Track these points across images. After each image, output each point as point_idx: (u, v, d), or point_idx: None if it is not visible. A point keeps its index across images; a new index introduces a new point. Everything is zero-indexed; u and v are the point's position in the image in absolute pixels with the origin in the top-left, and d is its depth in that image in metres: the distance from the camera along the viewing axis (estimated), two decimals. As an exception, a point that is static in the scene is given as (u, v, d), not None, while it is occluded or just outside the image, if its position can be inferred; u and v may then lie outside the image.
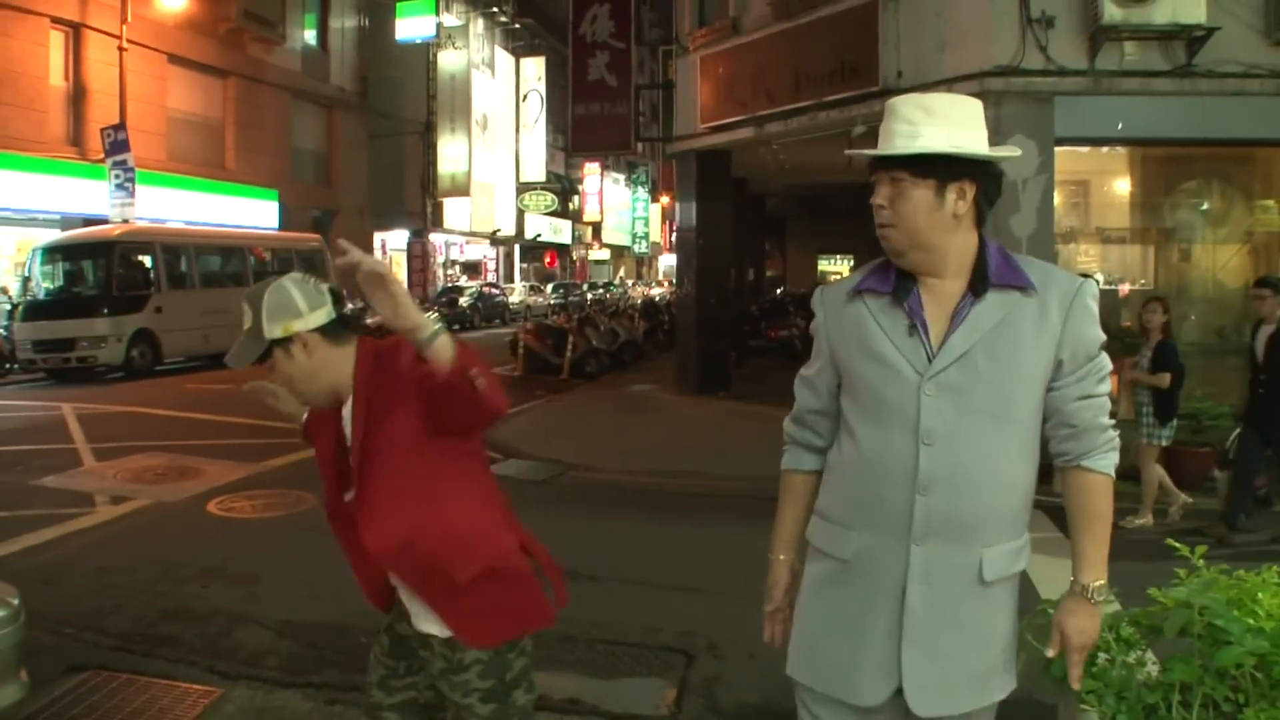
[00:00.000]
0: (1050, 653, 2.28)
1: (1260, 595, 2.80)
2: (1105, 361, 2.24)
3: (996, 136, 9.39)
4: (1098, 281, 10.69)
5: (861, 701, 2.25)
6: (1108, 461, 2.24)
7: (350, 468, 2.48)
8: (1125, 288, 11.16)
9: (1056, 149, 10.03)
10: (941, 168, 2.16)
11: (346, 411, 2.52)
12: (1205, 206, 11.05)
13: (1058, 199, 10.73)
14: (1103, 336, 2.24)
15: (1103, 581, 2.21)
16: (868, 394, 2.27)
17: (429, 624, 2.51)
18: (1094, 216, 11.47)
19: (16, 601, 3.63)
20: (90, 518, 7.70)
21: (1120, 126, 10.25)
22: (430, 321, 2.15)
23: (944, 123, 2.17)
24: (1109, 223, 11.33)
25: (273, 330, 2.45)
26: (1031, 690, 2.63)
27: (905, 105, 2.21)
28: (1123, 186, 11.32)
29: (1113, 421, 2.26)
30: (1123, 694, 2.77)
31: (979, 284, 2.20)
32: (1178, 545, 2.99)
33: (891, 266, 2.29)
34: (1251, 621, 2.68)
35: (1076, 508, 2.25)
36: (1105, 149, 11.05)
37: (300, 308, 2.48)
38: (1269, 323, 7.43)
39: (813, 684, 2.33)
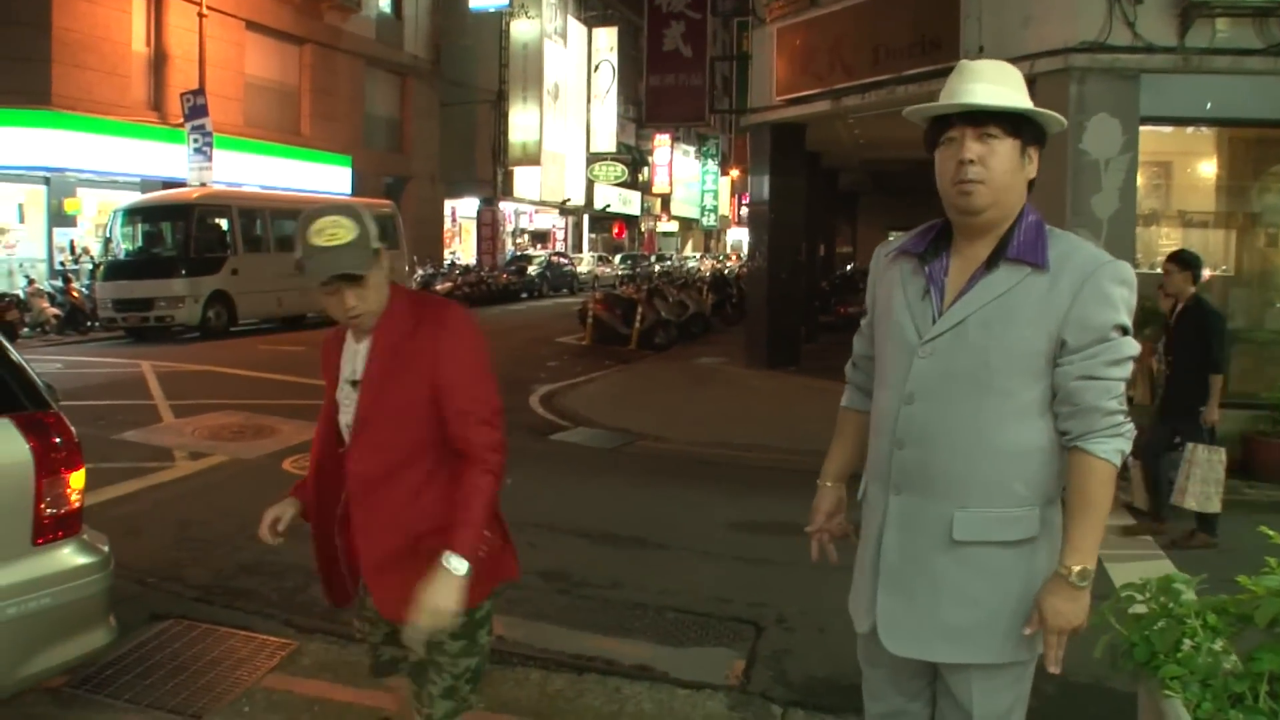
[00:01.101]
0: (1027, 630, 2.28)
1: None
2: (1124, 346, 2.21)
3: (1079, 114, 9.32)
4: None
5: (858, 627, 2.48)
6: (1108, 448, 2.21)
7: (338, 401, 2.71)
8: (1209, 273, 10.90)
9: (1141, 129, 9.83)
10: (1026, 128, 2.22)
11: (361, 346, 2.65)
12: (1295, 191, 10.75)
13: (1143, 179, 10.52)
14: (1120, 319, 2.21)
15: (1086, 567, 2.21)
16: (881, 354, 2.44)
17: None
18: (1175, 199, 11.18)
19: (107, 549, 3.71)
20: (170, 472, 7.89)
21: (1209, 106, 10.05)
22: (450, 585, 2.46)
23: (1014, 86, 2.24)
24: (1191, 206, 11.04)
25: (375, 241, 2.54)
26: (1113, 672, 2.64)
27: (979, 65, 2.26)
28: (1207, 169, 11.01)
29: (1123, 408, 2.22)
30: (1208, 681, 2.73)
31: (995, 256, 2.25)
32: (1270, 532, 2.93)
33: (933, 230, 2.39)
34: None
35: (1072, 490, 2.25)
36: (1190, 129, 10.80)
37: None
38: (1181, 300, 7.02)
39: (850, 605, 2.55)
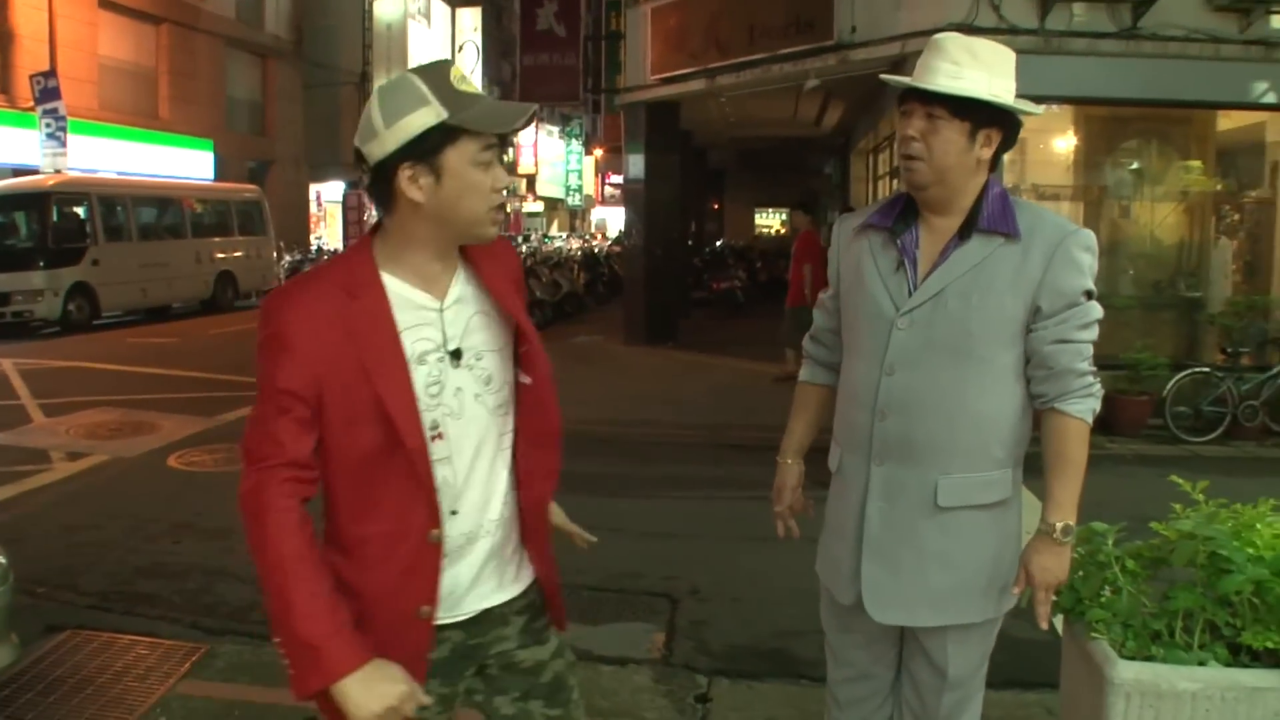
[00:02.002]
0: (1015, 590, 2.39)
1: (1258, 526, 2.97)
2: (1092, 310, 2.33)
3: (947, 93, 9.68)
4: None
5: (841, 600, 2.51)
6: (1083, 407, 2.33)
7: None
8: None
9: (1004, 106, 10.27)
10: (977, 112, 2.26)
11: (458, 288, 2.01)
12: (1143, 166, 11.36)
13: (1010, 155, 10.96)
14: (1088, 285, 2.32)
15: (1069, 523, 2.32)
16: (853, 327, 2.48)
17: (502, 591, 2.11)
18: (1030, 174, 11.71)
19: (4, 561, 3.57)
20: (48, 474, 7.64)
21: (1068, 86, 10.49)
22: None
23: (986, 69, 2.26)
24: (1049, 180, 11.58)
25: None
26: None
27: (951, 44, 2.29)
28: (1063, 145, 11.59)
29: (1093, 369, 2.36)
30: (1129, 622, 2.92)
31: (967, 228, 2.32)
32: (1180, 480, 3.11)
33: (899, 203, 2.44)
34: (1251, 551, 2.85)
35: (1050, 450, 2.35)
36: (1054, 107, 11.31)
37: None
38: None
39: (822, 577, 2.62)
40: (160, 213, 21.52)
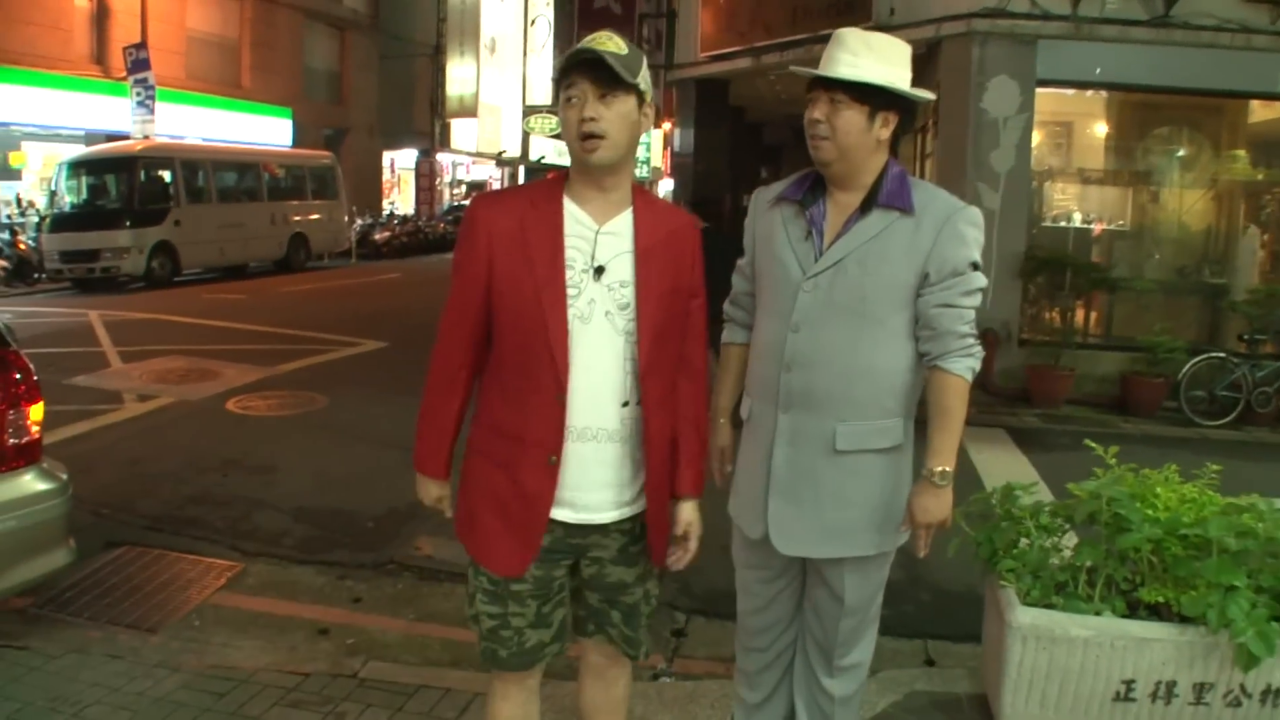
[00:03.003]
0: (902, 528, 2.65)
1: (1159, 490, 3.26)
2: (975, 279, 2.55)
3: (980, 76, 10.00)
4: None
5: (750, 534, 2.79)
6: (962, 365, 2.55)
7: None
8: (1099, 226, 11.63)
9: (1038, 90, 10.46)
10: (875, 97, 2.50)
11: (617, 224, 2.40)
12: (1176, 152, 11.46)
13: (1041, 138, 11.19)
14: (974, 257, 2.55)
15: (946, 468, 2.54)
16: (765, 288, 2.73)
17: (605, 511, 2.47)
18: (1075, 157, 11.87)
19: (65, 476, 4.05)
20: (120, 413, 8.27)
21: (1098, 72, 10.71)
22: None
23: (882, 60, 2.51)
24: (1088, 164, 11.75)
25: (645, 82, 2.34)
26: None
27: (851, 37, 2.53)
28: (1101, 130, 11.72)
29: (973, 332, 2.57)
30: (1037, 573, 3.24)
31: (868, 203, 2.57)
32: (1094, 445, 3.44)
33: (809, 179, 2.69)
34: (1150, 512, 3.13)
35: (932, 403, 2.59)
36: (1088, 93, 11.47)
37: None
38: None
39: (734, 516, 2.88)
40: (239, 177, 22.34)
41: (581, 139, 2.27)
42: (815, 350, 2.59)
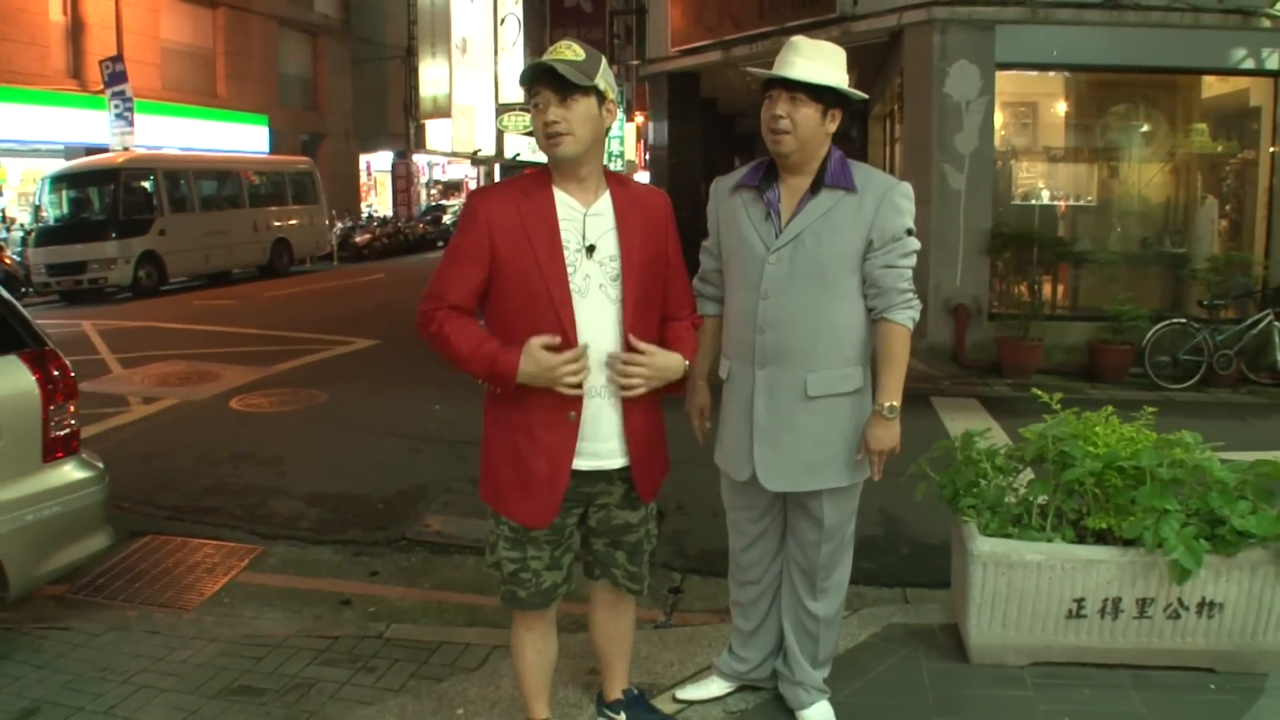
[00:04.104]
0: (859, 457, 3.00)
1: (1099, 429, 3.64)
2: (911, 243, 2.96)
3: (942, 61, 10.37)
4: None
5: (737, 478, 3.15)
6: (905, 315, 2.95)
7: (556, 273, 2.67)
8: (1063, 202, 11.98)
9: (999, 73, 10.81)
10: (828, 96, 2.91)
11: (600, 205, 2.76)
12: (1135, 128, 11.82)
13: (1005, 119, 11.54)
14: (909, 225, 2.96)
15: (894, 403, 2.93)
16: (734, 264, 3.11)
17: (612, 459, 2.81)
18: (1037, 136, 12.19)
19: (101, 465, 4.34)
20: (127, 415, 8.52)
21: (1056, 53, 11.05)
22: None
23: (831, 64, 2.92)
24: (1050, 142, 12.08)
25: (605, 84, 2.68)
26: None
27: (804, 44, 2.93)
28: (1061, 109, 12.06)
29: (912, 288, 2.97)
30: (995, 508, 3.63)
31: (816, 184, 2.97)
32: (1040, 393, 3.84)
33: (762, 167, 3.09)
34: (1091, 449, 3.51)
35: (881, 350, 2.98)
36: (1047, 74, 11.78)
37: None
38: None
39: (722, 465, 3.24)
40: (220, 185, 22.51)
41: (547, 137, 2.62)
42: (783, 313, 2.97)
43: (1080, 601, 3.42)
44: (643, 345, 2.70)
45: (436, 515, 5.97)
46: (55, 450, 4.07)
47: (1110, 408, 3.79)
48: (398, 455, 7.24)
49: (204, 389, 9.56)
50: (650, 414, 2.87)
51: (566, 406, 2.69)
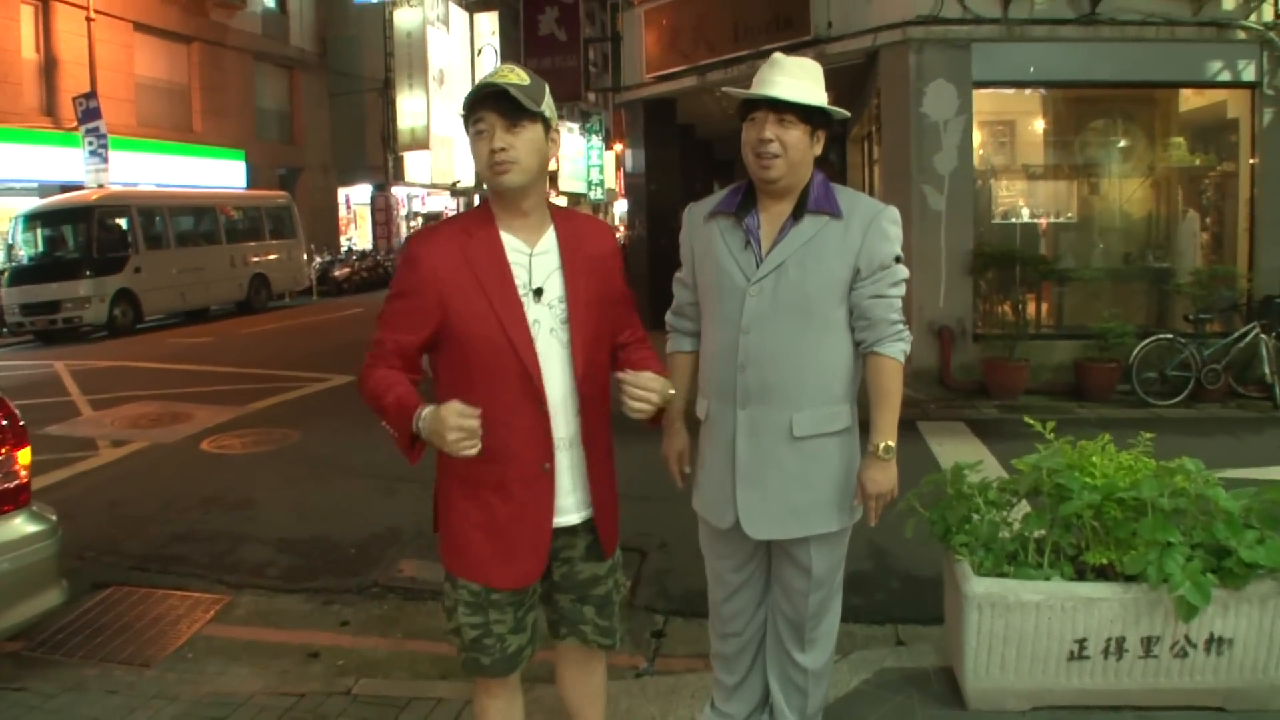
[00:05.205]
0: (855, 502, 2.84)
1: (1095, 459, 3.45)
2: (900, 271, 2.78)
3: (919, 81, 10.29)
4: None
5: (719, 525, 2.95)
6: (896, 349, 2.77)
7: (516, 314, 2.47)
8: (1044, 220, 11.91)
9: (976, 92, 10.74)
10: (815, 116, 2.74)
11: (545, 243, 2.55)
12: (1114, 144, 11.75)
13: (984, 138, 11.47)
14: (897, 251, 2.77)
15: (889, 443, 2.76)
16: (711, 296, 2.91)
17: (574, 514, 2.64)
18: (1016, 154, 12.13)
19: (54, 518, 4.14)
20: (95, 459, 8.33)
21: (1032, 70, 11.00)
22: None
23: (814, 81, 2.73)
24: (1030, 160, 12.02)
25: (549, 110, 2.50)
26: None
27: (788, 62, 2.74)
28: (1040, 126, 12.00)
29: (902, 319, 2.78)
30: (989, 545, 3.43)
31: (799, 210, 2.78)
32: (1033, 421, 3.65)
33: (740, 191, 2.90)
34: (1089, 480, 3.32)
35: (872, 386, 2.80)
36: (1024, 92, 11.74)
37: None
38: None
39: (701, 511, 3.05)
40: (196, 221, 22.37)
41: (491, 166, 2.41)
42: (767, 348, 2.77)
43: (1082, 642, 3.24)
44: (632, 373, 2.51)
45: (410, 560, 5.77)
46: (3, 504, 3.88)
47: (1106, 435, 3.62)
48: (372, 496, 7.05)
49: (175, 430, 9.38)
50: (608, 463, 2.72)
51: (541, 457, 2.50)
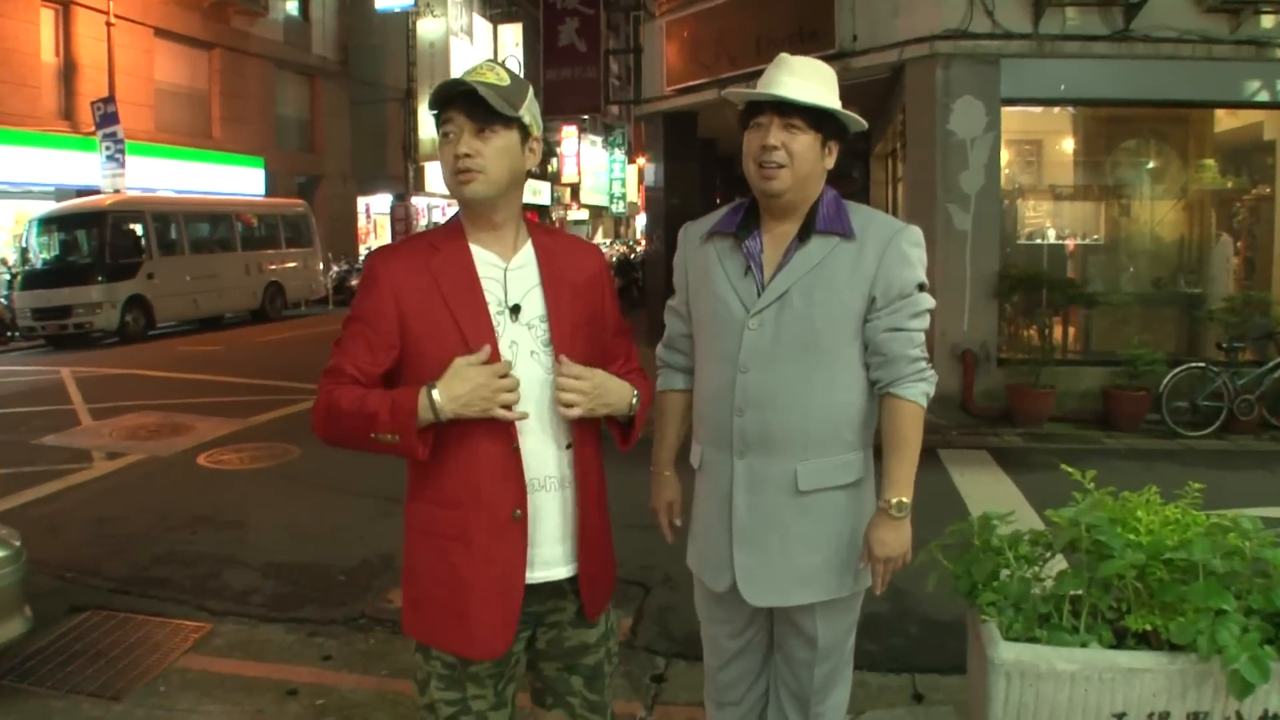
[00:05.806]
0: (861, 565, 2.52)
1: (1140, 513, 3.09)
2: (923, 300, 2.44)
3: (946, 97, 10.00)
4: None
5: (715, 588, 2.63)
6: (916, 391, 2.43)
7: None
8: (1072, 242, 11.62)
9: (1004, 109, 10.47)
10: (826, 124, 2.42)
11: (521, 258, 2.28)
12: (1145, 164, 11.46)
13: (1011, 157, 11.20)
14: (920, 278, 2.43)
15: (903, 499, 2.42)
16: (706, 329, 2.58)
17: (562, 567, 2.30)
18: (1045, 174, 11.88)
19: (18, 543, 3.99)
20: (88, 472, 8.14)
21: (1063, 88, 10.73)
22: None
23: (826, 85, 2.42)
24: (1058, 180, 11.75)
25: (529, 116, 2.21)
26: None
27: (797, 61, 2.44)
28: (1069, 145, 11.73)
29: (924, 355, 2.44)
30: (1019, 605, 3.05)
31: (806, 230, 2.45)
32: (1072, 470, 3.25)
33: (741, 209, 2.57)
34: (1132, 537, 2.98)
35: (887, 432, 2.45)
36: (1054, 110, 11.48)
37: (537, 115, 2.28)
38: None
39: (695, 570, 2.74)
40: (211, 228, 22.27)
41: (455, 174, 2.15)
42: (767, 390, 2.45)
43: (1121, 717, 2.90)
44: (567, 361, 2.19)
45: (400, 589, 5.48)
46: (-36, 530, 3.63)
47: (1153, 488, 3.23)
48: (368, 518, 6.79)
49: (174, 443, 9.18)
50: (601, 509, 2.37)
51: (510, 502, 2.16)
